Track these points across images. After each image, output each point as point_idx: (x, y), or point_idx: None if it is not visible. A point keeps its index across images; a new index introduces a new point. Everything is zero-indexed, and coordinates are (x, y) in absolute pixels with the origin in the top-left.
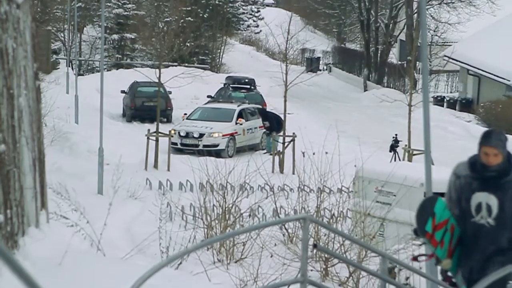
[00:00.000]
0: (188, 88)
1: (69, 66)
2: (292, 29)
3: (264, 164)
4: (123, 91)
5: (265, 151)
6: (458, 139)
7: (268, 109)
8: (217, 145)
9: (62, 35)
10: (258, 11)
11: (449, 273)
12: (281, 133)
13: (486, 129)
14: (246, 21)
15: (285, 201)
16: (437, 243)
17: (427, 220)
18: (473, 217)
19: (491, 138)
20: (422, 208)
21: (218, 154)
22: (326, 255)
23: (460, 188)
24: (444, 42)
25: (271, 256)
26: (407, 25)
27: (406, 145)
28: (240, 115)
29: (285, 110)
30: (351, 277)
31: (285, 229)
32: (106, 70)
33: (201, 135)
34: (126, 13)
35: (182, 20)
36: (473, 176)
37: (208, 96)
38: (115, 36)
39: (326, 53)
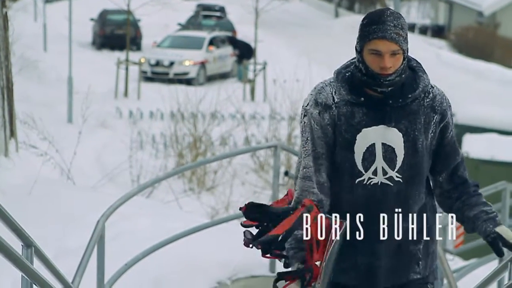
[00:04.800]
0: (158, 16)
1: None
2: None
3: (235, 92)
4: (92, 19)
5: (236, 78)
6: (430, 66)
7: (238, 37)
8: (188, 73)
9: None
10: None
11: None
12: (252, 61)
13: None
14: None
15: (256, 129)
16: None
17: None
18: (361, 174)
19: (385, 23)
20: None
21: (188, 82)
22: None
23: (332, 126)
24: None
25: (243, 184)
26: None
27: None
28: (211, 42)
29: (255, 38)
30: None
31: (256, 157)
32: None
33: (172, 63)
34: None
35: None
36: (354, 101)
37: (179, 24)
38: None
39: None
